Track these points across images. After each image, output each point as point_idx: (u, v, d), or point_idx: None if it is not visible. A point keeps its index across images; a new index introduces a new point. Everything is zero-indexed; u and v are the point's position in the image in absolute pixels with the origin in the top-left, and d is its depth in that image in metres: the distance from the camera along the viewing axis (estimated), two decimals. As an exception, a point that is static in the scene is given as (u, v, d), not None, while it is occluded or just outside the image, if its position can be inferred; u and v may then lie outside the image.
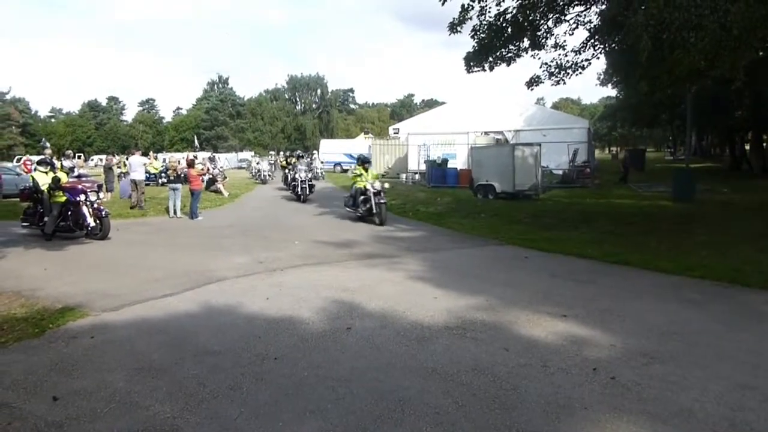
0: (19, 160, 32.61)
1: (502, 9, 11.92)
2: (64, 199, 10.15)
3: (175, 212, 14.19)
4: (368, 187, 12.57)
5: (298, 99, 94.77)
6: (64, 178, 10.43)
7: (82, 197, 10.12)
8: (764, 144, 28.14)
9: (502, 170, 17.83)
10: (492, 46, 12.37)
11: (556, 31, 12.85)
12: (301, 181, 18.17)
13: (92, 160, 55.56)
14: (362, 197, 12.77)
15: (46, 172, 10.49)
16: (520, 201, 16.70)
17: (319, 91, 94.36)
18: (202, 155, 32.66)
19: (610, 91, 59.19)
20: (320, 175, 30.20)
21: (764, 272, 6.80)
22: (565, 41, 13.06)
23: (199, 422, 3.24)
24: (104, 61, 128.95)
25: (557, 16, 12.45)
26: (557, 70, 13.27)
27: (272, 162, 34.47)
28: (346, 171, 39.67)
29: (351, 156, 41.09)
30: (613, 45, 12.94)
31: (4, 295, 6.12)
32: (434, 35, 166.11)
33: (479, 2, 11.89)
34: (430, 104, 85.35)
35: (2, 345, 4.57)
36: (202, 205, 15.26)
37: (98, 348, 4.50)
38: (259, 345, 4.53)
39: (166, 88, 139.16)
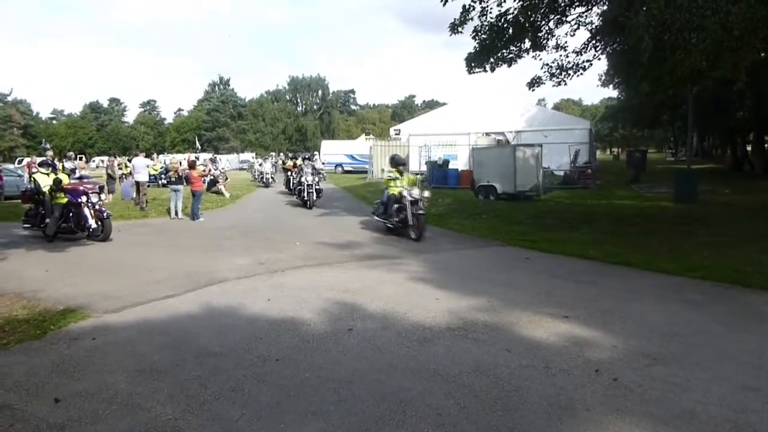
0: (20, 162, 32.69)
1: (503, 10, 11.96)
2: (65, 200, 10.18)
3: (176, 213, 14.21)
4: (404, 194, 10.54)
5: (299, 100, 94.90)
6: (65, 179, 10.45)
7: (84, 199, 10.14)
8: (766, 145, 28.07)
9: (503, 171, 17.81)
10: (493, 47, 12.39)
11: (557, 32, 12.91)
12: (308, 185, 16.78)
13: (93, 161, 55.68)
14: (396, 206, 10.81)
15: (48, 174, 10.50)
16: (521, 202, 16.68)
17: (320, 92, 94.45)
18: (204, 156, 32.71)
19: (612, 92, 59.17)
20: (323, 176, 29.92)
21: (766, 273, 6.79)
22: (566, 42, 13.12)
23: (201, 424, 3.24)
24: (105, 62, 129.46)
25: (558, 17, 12.47)
26: (558, 71, 13.28)
27: (275, 163, 32.92)
28: (347, 172, 39.75)
29: (352, 157, 41.15)
30: (615, 46, 12.95)
31: (6, 296, 6.12)
32: (435, 36, 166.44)
33: (480, 3, 11.92)
34: (431, 105, 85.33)
35: (4, 347, 4.57)
36: (204, 207, 15.29)
37: (100, 349, 4.50)
38: (261, 346, 4.53)
39: (168, 89, 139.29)
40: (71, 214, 10.22)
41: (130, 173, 18.45)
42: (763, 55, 13.25)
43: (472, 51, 12.68)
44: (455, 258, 8.78)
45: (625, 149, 61.68)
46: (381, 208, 11.60)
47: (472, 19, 12.09)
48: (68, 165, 12.72)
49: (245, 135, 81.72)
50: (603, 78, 27.39)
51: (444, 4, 11.64)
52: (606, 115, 56.77)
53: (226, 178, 23.42)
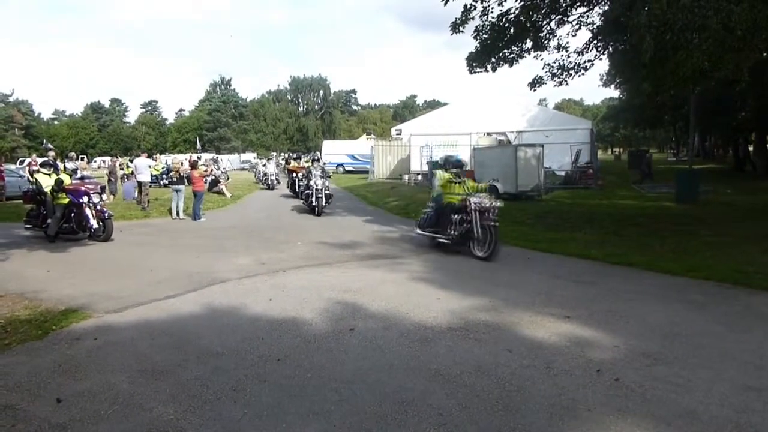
0: (22, 162, 32.73)
1: (504, 9, 11.96)
2: (67, 201, 10.20)
3: (178, 213, 14.23)
4: (473, 202, 8.57)
5: (300, 100, 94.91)
6: (67, 180, 10.46)
7: (85, 199, 10.16)
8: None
9: (504, 171, 17.80)
10: (494, 47, 12.39)
11: (558, 32, 12.88)
12: (317, 190, 14.86)
13: (95, 161, 55.76)
14: (456, 216, 8.85)
15: (50, 174, 10.52)
16: (522, 202, 16.66)
17: (321, 92, 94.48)
18: (206, 156, 32.71)
19: (613, 92, 59.18)
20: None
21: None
22: (567, 42, 13.10)
23: (203, 424, 3.25)
24: (107, 62, 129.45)
25: (560, 17, 12.46)
26: (560, 71, 13.27)
27: (279, 164, 30.96)
28: (348, 172, 39.71)
29: (353, 157, 41.12)
30: (616, 46, 12.95)
31: (8, 297, 6.13)
32: (436, 36, 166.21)
33: (481, 2, 11.91)
34: (433, 105, 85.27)
35: (6, 347, 4.58)
36: (205, 207, 15.30)
37: (101, 350, 4.51)
38: (262, 346, 4.53)
39: (169, 89, 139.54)
40: (73, 215, 10.24)
41: (132, 173, 18.50)
42: (765, 55, 13.21)
43: (474, 51, 12.68)
44: (456, 258, 8.77)
45: (627, 149, 61.68)
46: (431, 220, 9.53)
47: (473, 18, 12.09)
48: (70, 165, 12.73)
49: (247, 135, 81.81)
50: (604, 78, 27.44)
51: (445, 4, 11.63)
52: (607, 115, 56.79)
53: (228, 178, 23.45)
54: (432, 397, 3.57)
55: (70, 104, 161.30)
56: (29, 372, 4.03)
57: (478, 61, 12.73)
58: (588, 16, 12.83)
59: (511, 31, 11.98)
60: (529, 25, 11.81)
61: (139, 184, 16.28)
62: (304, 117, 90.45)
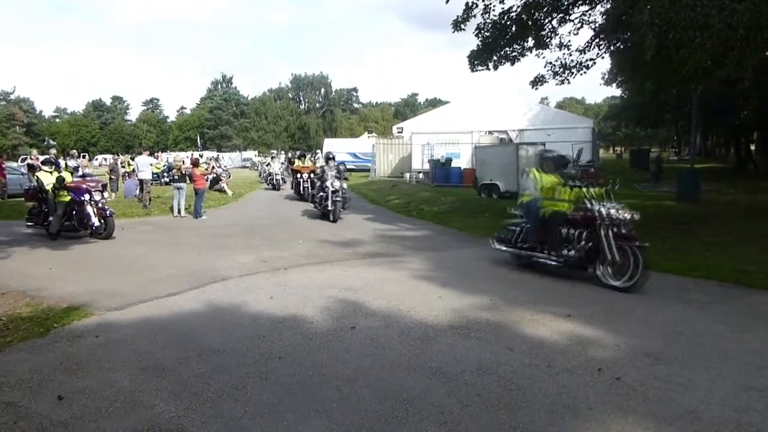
0: (23, 160, 32.74)
1: (506, 7, 11.94)
2: (68, 198, 10.20)
3: (179, 211, 14.24)
4: (601, 212, 6.45)
5: (301, 98, 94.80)
6: (68, 177, 10.47)
7: (87, 197, 10.16)
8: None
9: (506, 170, 17.80)
10: (496, 45, 12.37)
11: (560, 30, 12.83)
12: (333, 192, 13.01)
13: (96, 159, 55.80)
14: (573, 231, 6.79)
15: (51, 172, 10.53)
16: (523, 201, 16.63)
17: (322, 91, 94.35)
18: (207, 154, 32.68)
19: (615, 91, 58.93)
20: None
21: (770, 273, 6.76)
22: (569, 41, 13.07)
23: (204, 421, 3.25)
24: (108, 60, 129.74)
25: (562, 15, 12.42)
26: (562, 69, 13.23)
27: (283, 162, 27.73)
28: (350, 170, 39.51)
29: (355, 155, 41.01)
30: (618, 44, 12.89)
31: (9, 294, 6.14)
32: (438, 35, 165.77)
33: (483, 0, 11.88)
34: (434, 103, 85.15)
35: (7, 344, 4.59)
36: (206, 204, 15.31)
37: (103, 347, 4.52)
38: (264, 344, 4.54)
39: (170, 87, 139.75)
40: (74, 212, 10.24)
41: (134, 171, 18.52)
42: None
43: (475, 49, 12.66)
44: (458, 256, 8.77)
45: (628, 148, 61.57)
46: (520, 234, 7.57)
47: (474, 16, 12.07)
48: (71, 163, 12.75)
49: (248, 133, 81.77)
50: (606, 76, 27.38)
51: (447, 2, 11.64)
52: (609, 114, 56.58)
53: (229, 176, 23.44)
54: (433, 395, 3.57)
55: (71, 102, 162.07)
56: (31, 369, 4.03)
57: (479, 59, 12.71)
58: (590, 14, 12.79)
59: (513, 29, 11.96)
60: (530, 23, 11.78)
61: (141, 182, 16.31)
62: (305, 115, 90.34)
